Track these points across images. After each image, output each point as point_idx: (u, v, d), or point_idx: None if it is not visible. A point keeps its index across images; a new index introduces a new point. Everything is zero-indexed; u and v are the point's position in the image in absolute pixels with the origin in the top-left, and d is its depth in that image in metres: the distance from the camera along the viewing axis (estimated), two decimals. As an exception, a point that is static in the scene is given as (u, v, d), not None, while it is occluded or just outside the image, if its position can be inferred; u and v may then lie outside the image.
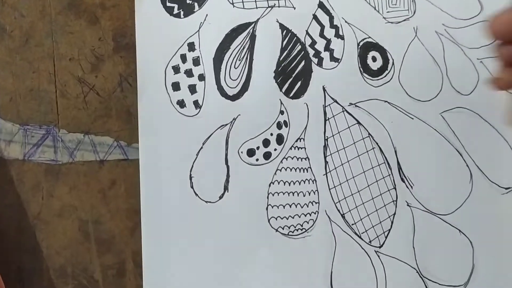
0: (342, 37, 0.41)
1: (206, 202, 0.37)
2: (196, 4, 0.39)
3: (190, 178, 0.37)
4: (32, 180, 0.39)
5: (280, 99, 0.39)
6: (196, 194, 0.37)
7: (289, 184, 0.38)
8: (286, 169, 0.39)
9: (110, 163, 0.38)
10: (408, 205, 0.39)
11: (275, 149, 0.39)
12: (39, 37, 0.39)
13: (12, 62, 0.39)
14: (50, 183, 0.39)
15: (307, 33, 0.40)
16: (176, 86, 0.38)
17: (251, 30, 0.40)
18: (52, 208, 0.39)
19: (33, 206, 0.39)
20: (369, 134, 0.40)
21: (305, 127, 0.39)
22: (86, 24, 0.39)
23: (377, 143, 0.40)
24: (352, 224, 0.39)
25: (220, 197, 0.38)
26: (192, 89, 0.38)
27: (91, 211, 0.39)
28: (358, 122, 0.40)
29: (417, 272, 0.39)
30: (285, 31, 0.40)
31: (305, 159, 0.39)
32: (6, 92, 0.39)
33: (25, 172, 0.39)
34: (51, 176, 0.39)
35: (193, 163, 0.37)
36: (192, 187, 0.37)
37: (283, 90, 0.39)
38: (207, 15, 0.39)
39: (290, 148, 0.39)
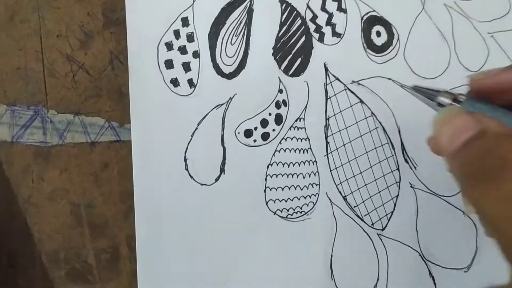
0: (345, 11, 0.38)
1: (201, 184, 0.36)
2: (190, -24, 0.37)
3: (185, 160, 0.35)
4: (21, 163, 0.38)
5: (279, 77, 0.37)
6: (191, 177, 0.35)
7: (288, 165, 0.37)
8: (285, 150, 0.37)
9: (102, 145, 0.37)
10: (411, 186, 0.38)
11: (274, 130, 0.37)
12: (25, 13, 0.37)
13: None
14: (40, 165, 0.38)
15: (308, 6, 0.38)
16: (169, 64, 0.36)
17: (248, 4, 0.37)
18: (43, 191, 0.38)
19: (23, 189, 0.38)
20: (372, 113, 0.38)
21: (305, 107, 0.37)
22: None
23: (380, 123, 0.38)
24: (354, 207, 0.37)
25: (216, 180, 0.36)
26: (186, 67, 0.36)
27: (83, 194, 0.38)
28: (361, 101, 0.38)
29: (419, 255, 0.38)
30: (284, 5, 0.38)
31: (305, 139, 0.37)
32: None
33: (14, 155, 0.38)
34: (41, 158, 0.38)
35: (188, 144, 0.36)
36: (187, 169, 0.35)
37: (282, 67, 0.37)
38: (201, -13, 0.37)
39: (290, 129, 0.37)
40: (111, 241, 0.37)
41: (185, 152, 0.36)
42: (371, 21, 0.39)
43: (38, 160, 0.38)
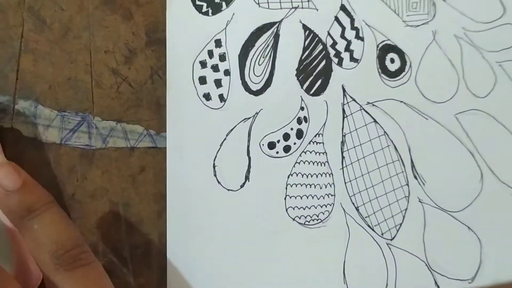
0: (362, 39, 0.43)
1: (228, 190, 0.39)
2: (224, 3, 0.41)
3: (214, 167, 0.39)
4: (68, 163, 0.42)
5: (301, 96, 0.41)
6: (219, 182, 0.39)
7: (307, 176, 0.40)
8: (304, 162, 0.40)
9: (140, 150, 0.41)
10: (419, 201, 0.41)
11: (295, 143, 0.41)
12: (77, 30, 0.42)
13: (51, 52, 0.42)
14: (84, 166, 0.42)
15: (329, 34, 0.42)
16: (202, 80, 0.40)
17: (275, 30, 0.42)
18: (86, 190, 0.42)
19: (68, 187, 0.42)
20: (384, 132, 0.41)
21: (324, 123, 0.41)
22: (121, 19, 0.42)
23: (392, 141, 0.41)
24: (366, 217, 0.40)
25: (241, 186, 0.40)
26: (218, 83, 0.40)
27: (121, 194, 0.42)
28: (375, 121, 0.41)
29: (426, 265, 0.41)
30: (307, 32, 0.42)
31: (323, 153, 0.41)
32: (46, 80, 0.41)
33: (61, 156, 0.41)
34: (85, 160, 0.42)
35: (217, 153, 0.39)
36: (215, 175, 0.39)
37: (304, 87, 0.41)
38: (234, 14, 0.41)
39: (309, 143, 0.41)
40: (144, 238, 0.41)
41: (214, 160, 0.40)
42: (385, 49, 0.43)
43: (82, 161, 0.42)
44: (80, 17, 0.42)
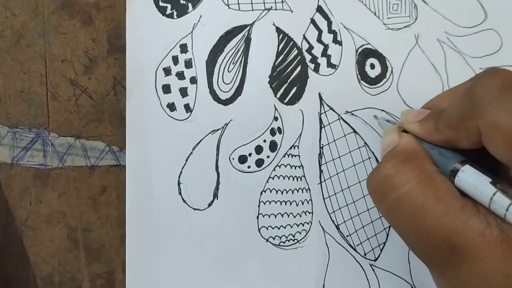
0: (340, 43, 0.38)
1: (194, 209, 0.35)
2: (190, 4, 0.37)
3: (179, 184, 0.35)
4: (20, 185, 0.38)
5: (274, 105, 0.37)
6: (184, 201, 0.35)
7: (282, 192, 0.36)
8: (279, 177, 0.36)
9: (101, 169, 0.37)
10: (404, 217, 0.37)
11: (268, 156, 0.36)
12: (31, 37, 0.38)
13: (2, 62, 0.38)
14: (39, 188, 0.38)
15: (304, 37, 0.38)
16: (166, 89, 0.36)
17: (246, 33, 0.37)
18: (40, 214, 0.38)
19: (20, 211, 0.38)
20: (365, 143, 0.37)
21: (300, 135, 0.37)
22: (80, 25, 0.39)
23: (373, 153, 0.37)
24: (347, 236, 0.36)
25: (209, 205, 0.35)
26: (183, 92, 0.36)
27: (80, 218, 0.38)
28: (354, 131, 0.37)
29: (411, 287, 0.36)
30: (281, 35, 0.38)
31: (299, 167, 0.36)
32: None
33: (13, 177, 0.38)
34: (40, 181, 0.38)
35: (182, 168, 0.35)
36: (180, 193, 0.35)
37: (278, 95, 0.37)
38: (201, 16, 0.37)
39: (284, 156, 0.37)
40: (107, 266, 0.37)
41: (179, 176, 0.36)
42: (365, 54, 0.39)
43: (37, 183, 0.38)
44: (34, 23, 0.39)
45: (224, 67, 0.38)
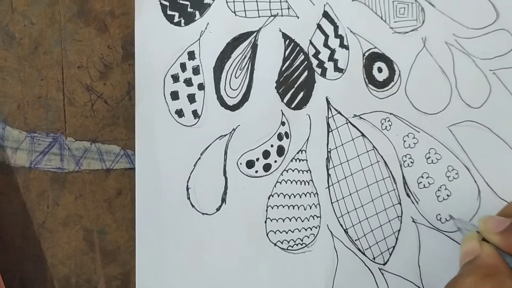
0: (347, 47, 0.36)
1: (202, 214, 0.34)
2: (197, 12, 0.36)
3: (187, 189, 0.33)
4: (38, 188, 0.38)
5: (281, 110, 0.35)
6: (193, 206, 0.33)
7: (289, 197, 0.34)
8: (286, 182, 0.34)
9: (117, 172, 0.39)
10: (413, 221, 0.35)
11: (275, 161, 0.34)
12: (48, 45, 0.39)
13: (21, 69, 0.39)
14: (56, 191, 0.38)
15: (311, 42, 0.36)
16: (175, 95, 0.34)
17: (253, 39, 0.36)
18: (57, 217, 0.38)
19: (38, 214, 0.38)
20: (373, 147, 0.35)
21: (307, 139, 0.35)
22: (95, 32, 0.39)
23: (381, 156, 0.35)
24: (356, 240, 0.34)
25: (217, 209, 0.34)
26: (191, 98, 0.34)
27: (96, 220, 0.39)
28: (363, 135, 0.35)
29: (422, 291, 0.34)
30: (288, 41, 0.36)
31: (307, 171, 0.34)
32: (14, 99, 0.38)
33: (31, 180, 0.38)
34: (57, 184, 0.38)
35: (191, 174, 0.34)
36: (188, 198, 0.33)
37: (285, 100, 0.35)
38: (208, 23, 0.35)
39: (291, 160, 0.35)
40: (122, 268, 0.38)
41: (188, 181, 0.34)
42: (372, 58, 0.37)
43: (54, 186, 0.38)
44: (51, 31, 0.39)
45: (231, 73, 0.37)
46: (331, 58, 0.40)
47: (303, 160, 0.39)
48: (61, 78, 0.39)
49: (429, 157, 0.40)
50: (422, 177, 0.39)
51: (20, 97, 0.39)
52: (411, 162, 0.39)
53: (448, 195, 0.39)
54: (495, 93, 0.41)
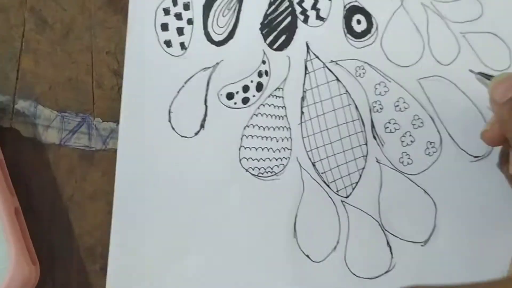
0: (329, -1, 0.39)
1: (181, 136, 0.36)
2: (192, -47, 0.38)
3: (169, 113, 0.36)
4: (67, 164, 0.41)
5: (263, 50, 0.38)
6: (173, 128, 0.36)
7: (264, 129, 0.37)
8: (262, 115, 0.37)
9: None
10: (377, 161, 0.38)
11: (254, 96, 0.37)
12: (79, 30, 0.42)
13: (53, 53, 0.41)
14: (84, 168, 0.41)
15: (296, -10, 0.39)
16: (164, 27, 0.37)
17: (242, -18, 0.38)
18: (85, 191, 0.41)
19: (67, 188, 0.41)
20: (346, 91, 0.38)
21: (285, 78, 0.38)
22: (123, 20, 0.41)
23: (353, 100, 0.38)
24: (322, 173, 0.37)
25: (196, 134, 0.36)
26: (180, 31, 0.37)
27: None
28: (337, 79, 0.38)
29: (379, 225, 0.37)
30: (274, -13, 0.38)
31: (282, 107, 0.37)
32: (46, 81, 0.41)
33: (60, 157, 0.41)
34: (85, 161, 0.41)
35: (174, 99, 0.36)
36: (169, 121, 0.36)
37: (267, 41, 0.38)
38: (201, -36, 0.38)
39: (269, 96, 0.37)
40: None
41: (170, 106, 0.37)
42: (352, 10, 0.40)
43: (82, 163, 0.41)
44: (82, 18, 0.42)
45: (220, 12, 0.39)
46: (314, 7, 0.43)
47: (279, 97, 0.41)
48: (90, 62, 0.42)
49: (397, 105, 0.42)
50: (389, 122, 0.42)
51: (52, 78, 0.41)
52: (380, 108, 0.42)
53: (412, 141, 0.42)
54: (463, 53, 0.44)
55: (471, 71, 0.41)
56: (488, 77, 0.36)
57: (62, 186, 0.40)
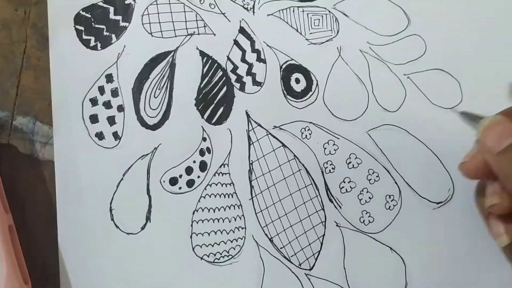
0: (264, 61, 0.37)
1: (127, 234, 0.33)
2: (113, 35, 0.36)
3: (111, 210, 0.33)
4: None
5: (202, 126, 0.35)
6: (117, 226, 0.33)
7: (214, 210, 0.34)
8: (210, 196, 0.35)
9: None
10: (337, 225, 0.36)
11: (199, 176, 0.35)
12: None
13: None
14: None
15: (228, 58, 0.37)
16: (94, 119, 0.34)
17: (170, 59, 0.36)
18: None
19: None
20: (294, 156, 0.36)
21: (229, 153, 0.35)
22: None
23: (303, 165, 0.36)
24: (281, 248, 0.35)
25: (142, 228, 0.34)
26: (111, 120, 0.35)
27: None
28: (283, 145, 0.36)
29: (349, 292, 0.35)
30: (205, 58, 0.36)
31: (230, 184, 0.35)
32: (45, 97, 0.40)
33: None
34: None
35: (113, 195, 0.34)
36: (112, 219, 0.33)
37: (205, 116, 0.36)
38: (125, 46, 0.36)
39: (214, 175, 0.35)
40: None
41: (111, 203, 0.34)
42: (289, 69, 0.38)
43: None
44: None
45: (151, 94, 0.37)
46: (249, 72, 0.41)
47: (225, 174, 0.39)
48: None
49: (349, 162, 0.41)
50: (344, 182, 0.40)
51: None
52: (333, 168, 0.40)
53: (370, 198, 0.40)
54: (410, 96, 0.43)
55: (453, 111, 0.39)
56: (474, 117, 0.34)
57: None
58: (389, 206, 0.42)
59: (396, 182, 0.42)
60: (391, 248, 0.41)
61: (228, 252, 0.40)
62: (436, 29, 0.45)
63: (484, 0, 0.46)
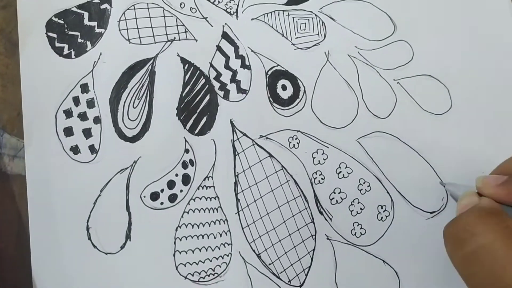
0: (249, 67, 0.35)
1: (106, 254, 0.31)
2: (88, 43, 0.33)
3: (88, 229, 0.31)
4: None
5: (184, 137, 0.33)
6: (95, 246, 0.30)
7: (198, 226, 0.32)
8: (194, 211, 0.32)
9: None
10: (328, 238, 0.33)
11: (181, 190, 0.32)
12: None
13: None
14: None
15: (211, 65, 0.34)
16: (68, 131, 0.32)
17: (149, 67, 0.33)
18: None
19: None
20: (282, 166, 0.33)
21: (213, 165, 0.33)
22: None
23: (291, 176, 0.34)
24: (269, 264, 0.32)
25: (122, 247, 0.31)
26: (87, 133, 0.32)
27: None
28: (270, 155, 0.34)
29: (341, 309, 0.33)
30: (187, 65, 0.34)
31: (215, 198, 0.32)
32: (14, 107, 0.37)
33: (27, 189, 0.36)
34: None
35: (90, 212, 0.31)
36: (89, 239, 0.30)
37: (187, 127, 0.33)
38: (101, 53, 0.33)
39: (198, 188, 0.33)
40: None
41: (88, 221, 0.31)
42: (275, 76, 0.36)
43: None
44: None
45: (129, 104, 0.35)
46: (233, 79, 0.39)
47: (210, 187, 0.37)
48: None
49: (340, 172, 0.38)
50: (334, 192, 0.38)
51: (20, 104, 0.37)
52: (322, 179, 0.38)
53: (361, 209, 0.38)
54: (401, 102, 0.41)
55: (441, 183, 0.38)
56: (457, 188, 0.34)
57: (27, 220, 0.36)
58: (381, 217, 0.40)
59: (388, 192, 0.40)
60: (384, 261, 0.39)
61: (213, 270, 0.38)
62: (422, 35, 0.43)
63: (468, 6, 0.45)
